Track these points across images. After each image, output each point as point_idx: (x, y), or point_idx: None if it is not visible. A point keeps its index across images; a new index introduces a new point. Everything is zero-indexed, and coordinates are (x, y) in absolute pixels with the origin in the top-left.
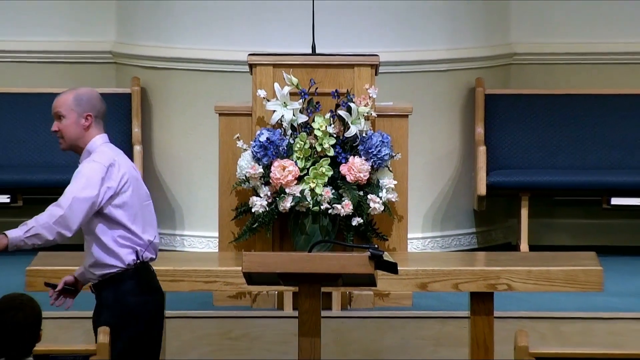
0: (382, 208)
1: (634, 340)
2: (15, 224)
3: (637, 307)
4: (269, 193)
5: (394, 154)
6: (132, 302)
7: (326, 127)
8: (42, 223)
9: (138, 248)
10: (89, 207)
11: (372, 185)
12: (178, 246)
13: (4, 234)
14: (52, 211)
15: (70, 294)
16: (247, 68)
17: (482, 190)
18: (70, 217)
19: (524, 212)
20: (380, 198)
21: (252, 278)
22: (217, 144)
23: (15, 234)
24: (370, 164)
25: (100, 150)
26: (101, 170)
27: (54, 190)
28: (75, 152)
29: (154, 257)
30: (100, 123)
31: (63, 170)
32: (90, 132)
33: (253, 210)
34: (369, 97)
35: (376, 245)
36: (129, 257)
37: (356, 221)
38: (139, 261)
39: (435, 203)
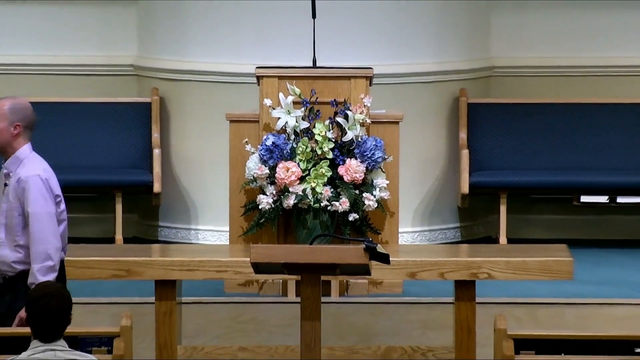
0: (375, 205)
1: (601, 323)
2: None
3: (604, 294)
4: (274, 192)
5: (386, 157)
6: None
7: (325, 132)
8: (41, 272)
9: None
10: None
11: (366, 185)
12: (193, 239)
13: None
14: (39, 252)
15: None
16: (254, 80)
17: (465, 189)
18: (52, 245)
19: (503, 209)
20: (374, 196)
21: (259, 268)
22: (227, 148)
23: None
24: (365, 166)
25: (33, 160)
26: (41, 186)
27: (79, 189)
28: (1, 155)
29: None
30: (28, 133)
31: (88, 172)
32: (19, 141)
33: (260, 207)
34: (364, 105)
35: (370, 239)
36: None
37: (352, 217)
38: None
39: (423, 200)
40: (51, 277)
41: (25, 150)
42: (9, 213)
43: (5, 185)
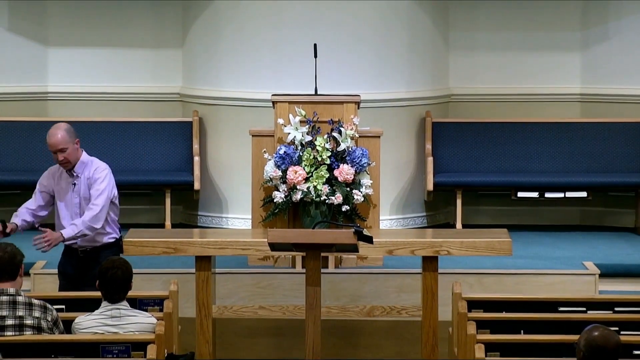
0: (362, 199)
1: (533, 288)
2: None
3: (535, 266)
4: (285, 189)
5: (370, 163)
6: None
7: (324, 144)
8: (86, 226)
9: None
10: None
11: (355, 184)
12: (224, 225)
13: (61, 233)
14: (91, 213)
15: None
16: (271, 104)
17: (430, 187)
18: (102, 213)
19: (459, 202)
20: (361, 192)
21: (274, 246)
22: (250, 156)
23: (68, 234)
24: (355, 169)
25: (95, 160)
26: (110, 174)
27: (138, 187)
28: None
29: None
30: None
31: (145, 173)
32: (80, 151)
33: (275, 200)
34: (353, 123)
35: (358, 225)
36: (118, 232)
37: (345, 208)
38: (120, 235)
39: (398, 195)
40: (84, 233)
41: (85, 155)
42: (80, 205)
43: (74, 184)
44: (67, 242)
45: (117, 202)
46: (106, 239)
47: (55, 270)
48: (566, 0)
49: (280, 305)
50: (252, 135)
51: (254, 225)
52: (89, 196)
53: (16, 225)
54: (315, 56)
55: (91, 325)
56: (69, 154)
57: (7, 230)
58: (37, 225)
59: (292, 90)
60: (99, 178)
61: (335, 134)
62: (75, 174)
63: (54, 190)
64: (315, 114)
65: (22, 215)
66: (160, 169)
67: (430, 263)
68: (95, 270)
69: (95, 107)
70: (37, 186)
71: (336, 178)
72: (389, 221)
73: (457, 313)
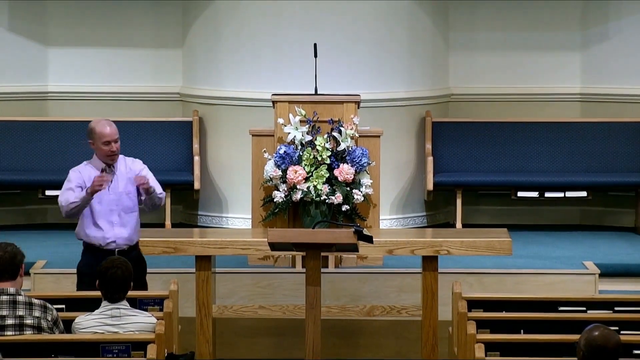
0: (362, 199)
1: (532, 288)
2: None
3: (534, 266)
4: (285, 188)
5: (370, 162)
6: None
7: (324, 143)
8: (160, 191)
9: None
10: None
11: (355, 183)
12: (224, 224)
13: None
14: (158, 187)
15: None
16: (271, 104)
17: (430, 186)
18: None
19: (459, 201)
20: (361, 192)
21: (274, 246)
22: (250, 155)
23: (158, 187)
24: (355, 169)
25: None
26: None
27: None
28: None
29: None
30: None
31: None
32: None
33: (275, 200)
34: (354, 123)
35: (358, 224)
36: None
37: (345, 207)
38: None
39: (398, 195)
40: (159, 198)
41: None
42: (119, 201)
43: (111, 181)
44: (148, 192)
45: None
46: (137, 237)
47: (56, 270)
48: (566, 0)
49: (280, 305)
50: (252, 135)
51: (254, 225)
52: (127, 193)
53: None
54: (316, 56)
55: (91, 325)
56: (118, 146)
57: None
58: None
59: (292, 90)
60: (143, 167)
61: (335, 134)
62: (112, 169)
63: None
64: (315, 114)
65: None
66: (161, 169)
67: (430, 263)
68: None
69: (95, 107)
70: (69, 184)
71: (336, 178)
72: (389, 221)
73: (457, 313)
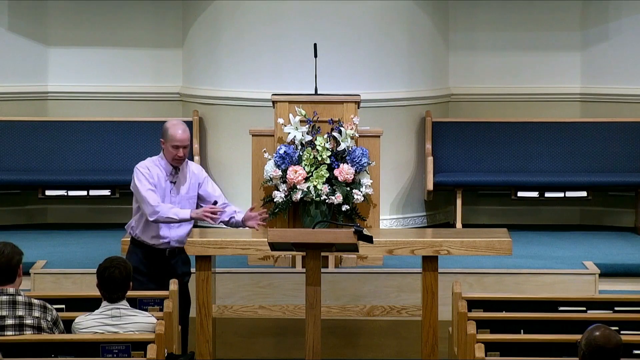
0: (362, 199)
1: (532, 288)
2: (114, 210)
3: (534, 266)
4: (285, 188)
5: (370, 162)
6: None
7: (324, 143)
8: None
9: None
10: None
11: (355, 183)
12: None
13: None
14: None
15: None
16: (271, 104)
17: (430, 186)
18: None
19: (459, 201)
20: (361, 192)
21: (274, 246)
22: (250, 155)
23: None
24: (355, 169)
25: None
26: None
27: None
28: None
29: None
30: None
31: None
32: None
33: (275, 200)
34: (354, 123)
35: (358, 224)
36: None
37: (345, 207)
38: None
39: (398, 195)
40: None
41: None
42: (180, 204)
43: (174, 183)
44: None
45: None
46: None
47: (56, 270)
48: (566, 0)
49: (280, 305)
50: (252, 135)
51: None
52: (190, 197)
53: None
54: (316, 56)
55: (91, 325)
56: (187, 151)
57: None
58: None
59: (292, 90)
60: (208, 177)
61: (335, 134)
62: (177, 172)
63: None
64: (315, 114)
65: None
66: None
67: (430, 263)
68: (183, 269)
69: (95, 107)
70: (147, 183)
71: (336, 178)
72: (389, 221)
73: (457, 313)
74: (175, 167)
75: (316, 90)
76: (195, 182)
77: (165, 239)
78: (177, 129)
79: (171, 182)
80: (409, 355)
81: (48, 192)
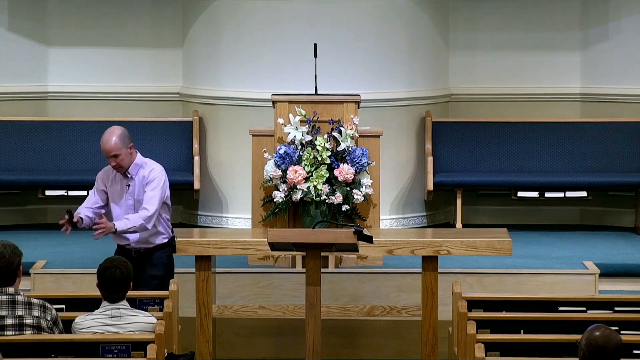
0: (362, 199)
1: (532, 288)
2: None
3: (534, 266)
4: (285, 188)
5: (370, 162)
6: (172, 260)
7: (324, 143)
8: (139, 224)
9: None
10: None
11: (355, 183)
12: (224, 224)
13: (114, 224)
14: (144, 213)
15: (73, 227)
16: (271, 104)
17: (430, 186)
18: (154, 215)
19: (459, 201)
20: (361, 192)
21: (274, 246)
22: (250, 155)
23: (120, 226)
24: (355, 169)
25: (150, 161)
26: (164, 175)
27: None
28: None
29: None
30: (133, 145)
31: None
32: (133, 154)
33: (275, 200)
34: (354, 123)
35: (358, 224)
36: (170, 232)
37: (345, 207)
38: (173, 235)
39: (398, 195)
40: (136, 229)
41: (139, 157)
42: (136, 207)
43: (128, 186)
44: (118, 234)
45: (169, 202)
46: (159, 240)
47: (56, 270)
48: (566, 0)
49: (280, 305)
50: (252, 135)
51: (254, 225)
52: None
53: (81, 218)
54: (316, 56)
55: (91, 325)
56: (122, 159)
57: (74, 220)
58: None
59: (292, 90)
60: (153, 180)
61: (335, 134)
62: (129, 176)
63: (109, 192)
64: (315, 114)
65: (84, 212)
66: None
67: (430, 263)
68: (150, 272)
69: (95, 107)
70: (95, 185)
71: (336, 178)
72: (389, 221)
73: (457, 313)
74: (124, 173)
75: (316, 90)
76: (142, 190)
77: (125, 240)
78: (102, 140)
79: (127, 185)
80: (409, 355)
81: (48, 192)
